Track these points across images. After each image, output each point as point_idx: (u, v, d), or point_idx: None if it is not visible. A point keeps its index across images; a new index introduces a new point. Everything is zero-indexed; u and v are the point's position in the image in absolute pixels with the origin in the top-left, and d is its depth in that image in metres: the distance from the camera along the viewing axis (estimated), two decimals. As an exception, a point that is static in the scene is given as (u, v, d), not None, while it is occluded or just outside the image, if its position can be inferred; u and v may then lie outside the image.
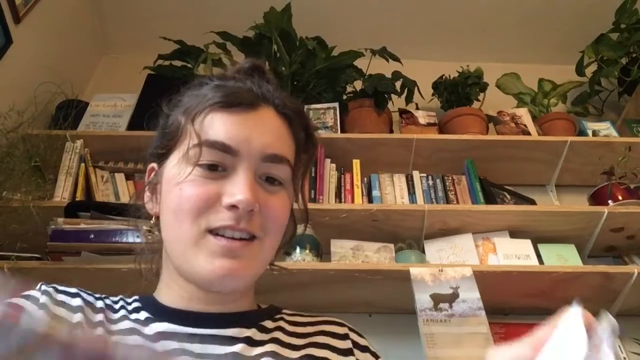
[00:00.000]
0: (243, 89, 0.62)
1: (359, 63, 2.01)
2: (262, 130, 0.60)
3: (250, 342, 0.59)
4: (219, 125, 0.59)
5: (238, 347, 0.57)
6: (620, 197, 1.73)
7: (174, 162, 0.61)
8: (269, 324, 0.62)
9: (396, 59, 2.01)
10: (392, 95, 2.03)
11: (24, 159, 1.64)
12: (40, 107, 1.82)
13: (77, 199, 1.63)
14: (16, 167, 1.55)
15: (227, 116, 0.60)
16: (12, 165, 1.55)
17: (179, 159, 0.60)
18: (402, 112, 2.05)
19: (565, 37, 2.34)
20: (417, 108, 2.07)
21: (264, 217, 0.59)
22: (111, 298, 0.64)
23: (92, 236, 1.42)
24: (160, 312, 0.60)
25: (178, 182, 0.59)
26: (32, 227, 1.45)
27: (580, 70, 2.16)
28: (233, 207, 0.56)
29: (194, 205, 0.57)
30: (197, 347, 0.56)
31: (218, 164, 0.58)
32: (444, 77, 2.09)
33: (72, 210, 1.51)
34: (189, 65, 1.98)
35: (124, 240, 1.42)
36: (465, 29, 2.38)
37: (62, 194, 1.62)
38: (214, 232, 0.56)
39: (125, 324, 0.59)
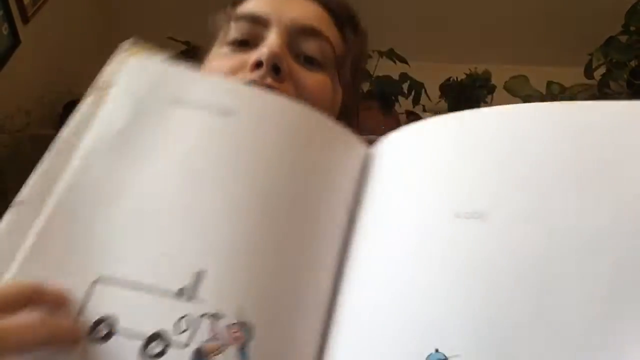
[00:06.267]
0: None
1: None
2: (295, 5, 0.56)
3: None
4: (249, 2, 0.57)
5: None
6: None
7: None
8: None
9: (403, 60, 2.00)
10: (400, 97, 2.02)
11: (31, 159, 1.65)
12: (48, 107, 1.82)
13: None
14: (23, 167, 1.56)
15: None
16: (19, 165, 1.56)
17: (214, 48, 0.58)
18: (409, 114, 2.04)
19: (573, 39, 2.32)
20: (425, 110, 2.06)
21: (298, 94, 0.52)
22: None
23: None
24: None
25: (206, 62, 0.57)
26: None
27: (589, 73, 2.14)
28: (258, 64, 0.51)
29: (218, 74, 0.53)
30: None
31: (248, 37, 0.54)
32: (451, 79, 2.08)
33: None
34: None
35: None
36: (473, 31, 2.37)
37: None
38: None
39: None
